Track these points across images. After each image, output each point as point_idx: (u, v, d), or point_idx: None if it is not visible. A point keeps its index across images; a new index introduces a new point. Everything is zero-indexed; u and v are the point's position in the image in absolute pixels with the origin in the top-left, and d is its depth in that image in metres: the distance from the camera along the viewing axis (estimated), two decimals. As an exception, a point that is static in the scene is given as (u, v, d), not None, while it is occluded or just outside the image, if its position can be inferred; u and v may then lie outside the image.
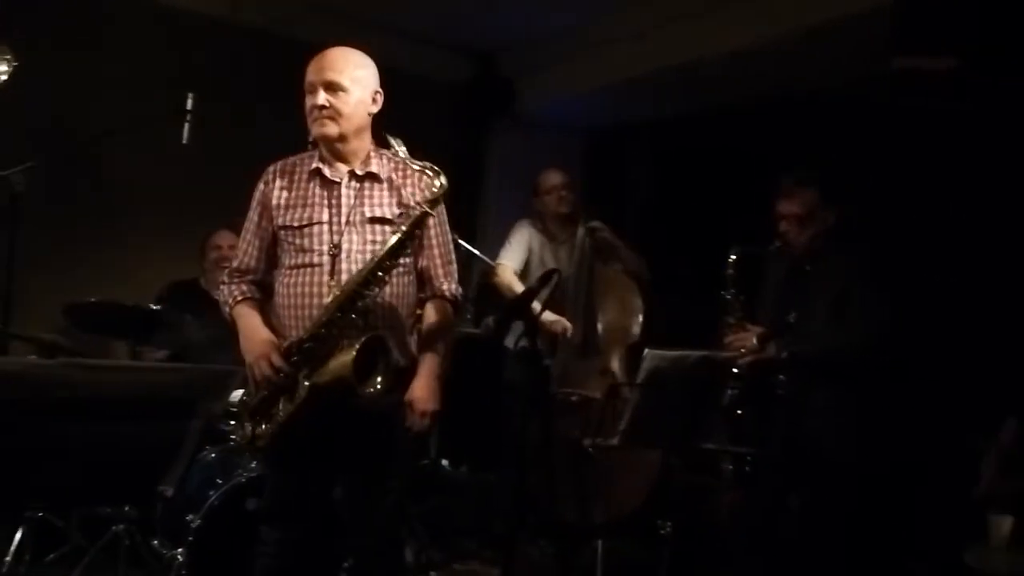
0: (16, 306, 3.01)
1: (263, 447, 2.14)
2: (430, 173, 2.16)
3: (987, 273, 3.44)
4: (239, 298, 2.25)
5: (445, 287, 2.30)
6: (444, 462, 3.73)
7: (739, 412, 2.57)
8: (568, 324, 3.66)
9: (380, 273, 2.11)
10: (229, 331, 3.44)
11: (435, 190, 2.14)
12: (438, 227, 2.30)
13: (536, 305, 2.30)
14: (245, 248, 2.29)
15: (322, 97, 2.16)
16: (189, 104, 3.27)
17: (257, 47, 4.35)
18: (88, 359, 2.51)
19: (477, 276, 4.50)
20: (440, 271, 2.30)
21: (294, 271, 2.19)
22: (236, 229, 3.75)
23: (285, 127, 3.74)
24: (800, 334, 2.69)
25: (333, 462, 2.19)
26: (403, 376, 2.21)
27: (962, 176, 3.60)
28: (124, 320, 3.06)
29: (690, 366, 2.38)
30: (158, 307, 3.33)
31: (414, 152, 2.28)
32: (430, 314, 2.29)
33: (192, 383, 1.64)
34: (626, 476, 3.38)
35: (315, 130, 2.20)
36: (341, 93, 2.17)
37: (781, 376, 2.62)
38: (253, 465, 2.89)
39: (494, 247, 3.97)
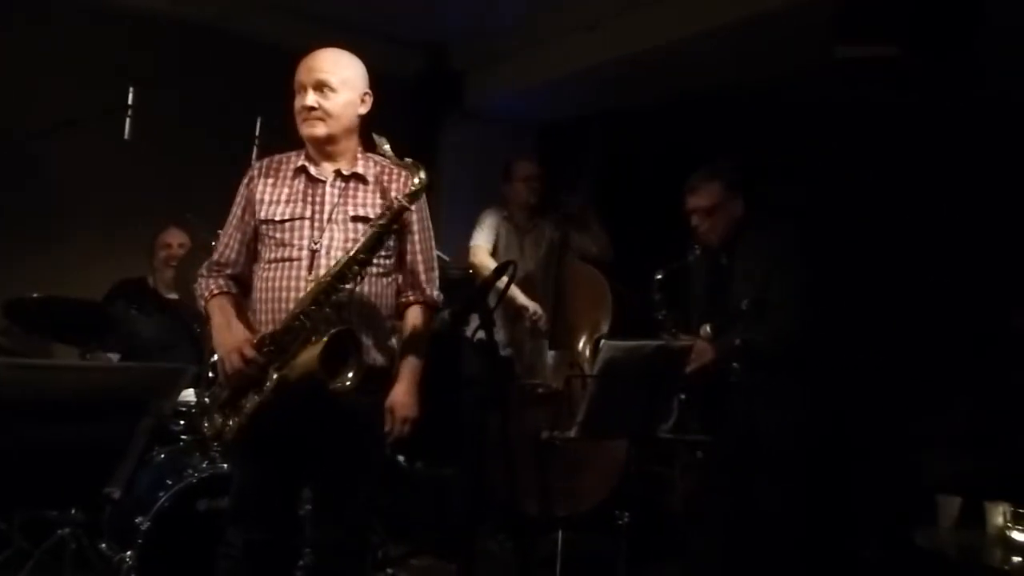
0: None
1: (230, 441, 2.11)
2: (411, 169, 2.15)
3: (930, 257, 3.54)
4: (215, 292, 2.23)
5: (428, 293, 2.31)
6: (400, 457, 3.71)
7: (690, 409, 2.61)
8: (540, 310, 3.68)
9: (356, 267, 2.09)
10: (179, 328, 3.41)
11: (415, 184, 2.13)
12: (422, 232, 2.31)
13: (494, 295, 2.29)
14: (226, 242, 2.27)
15: (311, 98, 2.16)
16: (130, 99, 3.20)
17: (201, 42, 4.26)
18: (30, 359, 2.44)
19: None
20: (423, 276, 2.30)
21: (273, 265, 2.17)
22: (185, 226, 3.73)
23: (230, 122, 3.70)
24: (749, 321, 2.73)
25: (303, 460, 2.17)
26: (383, 378, 2.20)
27: (901, 161, 3.69)
28: (69, 318, 2.98)
29: (646, 356, 2.39)
30: (102, 305, 3.25)
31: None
32: (412, 319, 2.29)
33: (140, 382, 1.59)
34: (591, 469, 3.40)
35: (304, 130, 2.19)
36: (330, 93, 2.17)
37: (735, 364, 2.67)
38: (204, 465, 2.84)
39: (447, 242, 3.94)
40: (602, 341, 2.34)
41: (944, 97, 3.39)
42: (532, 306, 3.69)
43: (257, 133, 3.29)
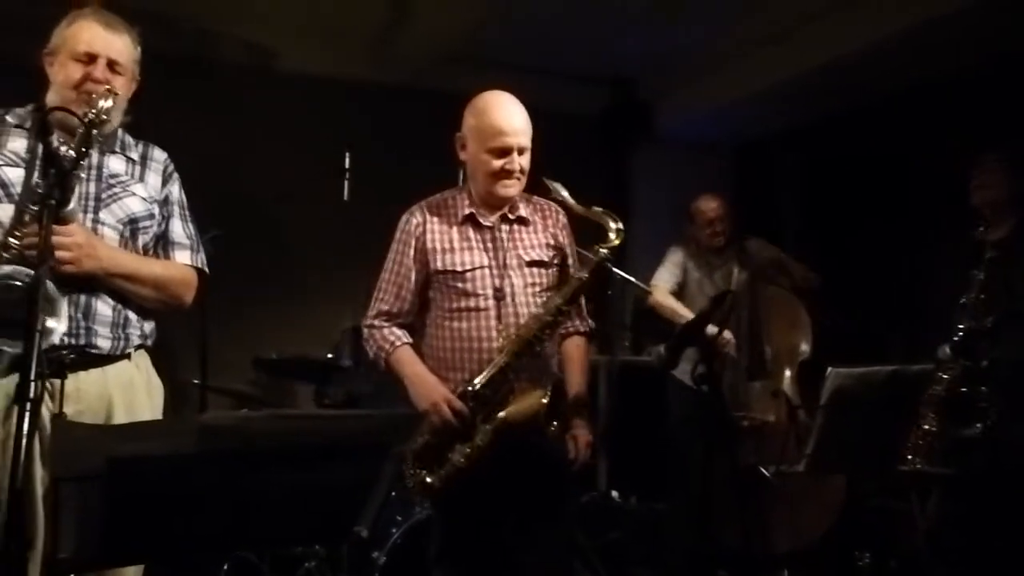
0: (210, 361, 3.27)
1: (438, 491, 2.16)
2: (605, 218, 2.16)
3: None
4: (397, 343, 2.23)
5: (586, 322, 2.34)
6: (614, 494, 3.70)
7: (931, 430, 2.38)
8: (731, 336, 3.58)
9: (560, 318, 2.13)
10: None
11: (614, 232, 2.14)
12: (576, 265, 2.31)
13: (712, 328, 2.25)
14: (396, 292, 2.25)
15: (518, 162, 2.19)
16: (347, 163, 3.47)
17: (402, 102, 4.55)
18: (290, 410, 2.69)
19: (631, 302, 4.47)
20: (580, 307, 2.31)
21: (457, 314, 2.20)
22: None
23: (435, 175, 3.90)
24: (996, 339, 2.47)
25: (505, 502, 2.20)
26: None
27: None
28: (304, 369, 3.26)
29: (879, 383, 2.22)
30: (331, 356, 3.53)
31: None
32: (575, 348, 2.31)
33: (382, 428, 1.70)
34: (809, 503, 3.23)
35: (500, 191, 2.21)
36: (526, 152, 2.21)
37: (983, 387, 2.42)
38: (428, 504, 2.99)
39: (644, 271, 3.92)
40: (829, 368, 2.20)
41: None
42: (725, 337, 3.56)
43: (460, 183, 3.44)
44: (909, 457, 2.41)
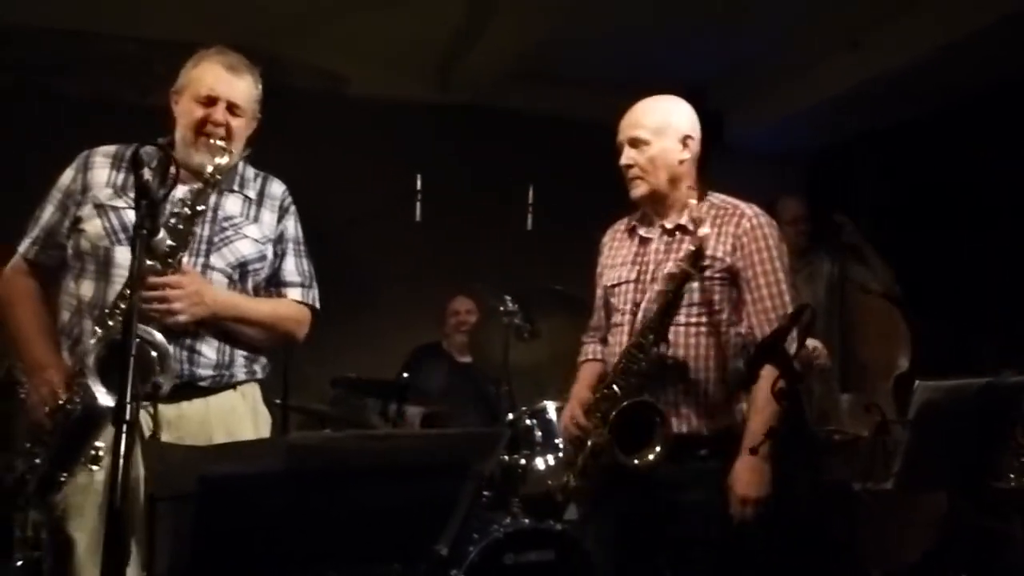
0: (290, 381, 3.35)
1: (568, 498, 2.19)
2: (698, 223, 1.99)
3: None
4: (582, 359, 2.35)
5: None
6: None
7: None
8: (821, 346, 3.47)
9: (651, 336, 2.00)
10: (471, 390, 3.65)
11: (696, 244, 1.96)
12: (764, 276, 2.06)
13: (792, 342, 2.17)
14: (596, 308, 2.34)
15: (626, 156, 2.11)
16: (419, 184, 3.53)
17: (469, 122, 4.60)
18: (373, 430, 2.74)
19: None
20: (767, 327, 2.01)
21: (610, 331, 2.22)
22: (472, 294, 4.00)
23: (506, 193, 3.95)
24: None
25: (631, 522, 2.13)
26: (717, 445, 2.06)
27: None
28: (380, 389, 3.31)
29: (971, 396, 2.12)
30: (407, 375, 3.58)
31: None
32: (762, 380, 1.89)
33: (462, 447, 1.71)
34: (906, 523, 3.10)
35: (631, 192, 2.15)
36: (645, 147, 2.09)
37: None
38: (507, 521, 2.98)
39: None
40: (916, 382, 2.11)
41: None
42: (810, 342, 3.44)
43: (530, 200, 3.47)
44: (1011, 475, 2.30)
